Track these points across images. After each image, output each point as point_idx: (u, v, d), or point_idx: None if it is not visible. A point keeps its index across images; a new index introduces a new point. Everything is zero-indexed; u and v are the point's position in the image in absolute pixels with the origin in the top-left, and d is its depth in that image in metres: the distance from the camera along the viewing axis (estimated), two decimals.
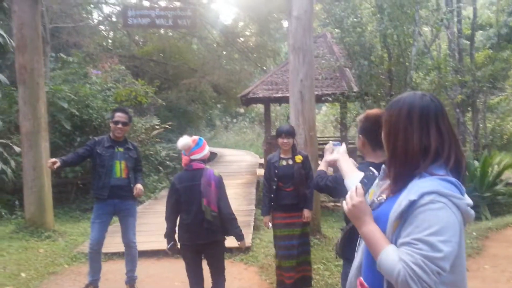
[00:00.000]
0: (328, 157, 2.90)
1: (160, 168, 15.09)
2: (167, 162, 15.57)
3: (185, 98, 22.82)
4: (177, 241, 4.18)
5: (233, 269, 6.28)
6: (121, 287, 5.46)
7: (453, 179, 1.57)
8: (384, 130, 1.77)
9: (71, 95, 11.01)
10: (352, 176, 2.41)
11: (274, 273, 5.45)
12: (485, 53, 15.89)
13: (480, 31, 19.80)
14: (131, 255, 5.40)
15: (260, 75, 20.86)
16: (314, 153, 7.44)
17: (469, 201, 1.59)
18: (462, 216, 1.54)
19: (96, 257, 5.26)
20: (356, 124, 3.54)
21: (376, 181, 1.89)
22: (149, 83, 16.55)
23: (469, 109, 16.09)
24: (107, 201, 5.12)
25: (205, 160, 4.22)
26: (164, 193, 12.39)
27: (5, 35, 9.31)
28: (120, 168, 5.15)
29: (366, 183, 1.79)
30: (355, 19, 10.91)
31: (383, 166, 1.87)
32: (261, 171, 14.00)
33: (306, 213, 4.88)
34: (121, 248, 5.60)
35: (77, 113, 11.09)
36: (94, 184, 5.18)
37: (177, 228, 4.15)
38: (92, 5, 17.67)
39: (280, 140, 4.93)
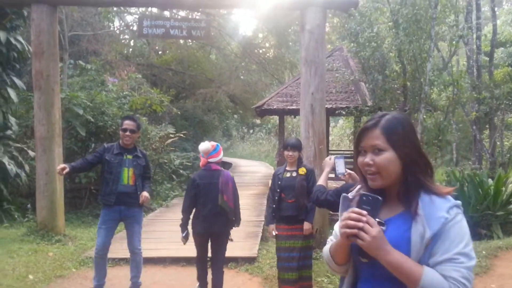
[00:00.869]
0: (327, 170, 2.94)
1: (174, 176, 15.18)
2: (181, 171, 15.65)
3: (201, 108, 22.95)
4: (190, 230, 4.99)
5: (237, 278, 6.30)
6: None
7: None
8: (399, 149, 1.66)
9: (87, 102, 11.18)
10: None
11: (277, 285, 5.44)
12: (504, 70, 15.74)
13: (501, 48, 19.59)
14: (136, 262, 5.45)
15: (277, 87, 20.92)
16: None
17: None
18: None
19: (101, 262, 5.32)
20: None
21: (340, 212, 1.83)
22: (166, 92, 16.75)
23: (486, 126, 15.91)
24: (113, 208, 5.18)
25: (220, 163, 5.13)
26: (176, 201, 12.46)
27: (23, 42, 9.51)
28: (127, 175, 5.22)
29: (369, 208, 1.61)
30: (370, 34, 10.92)
31: (344, 195, 1.84)
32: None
33: (306, 225, 4.87)
34: (128, 254, 5.64)
35: (92, 119, 11.26)
36: (101, 190, 5.26)
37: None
38: (111, 14, 17.89)
39: (286, 153, 4.98)
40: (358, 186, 1.85)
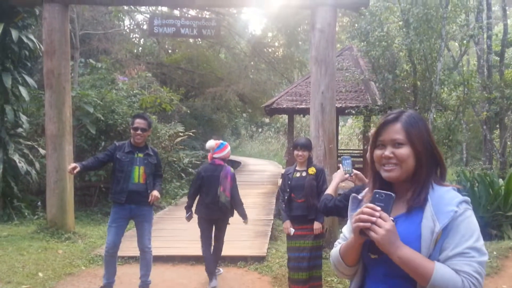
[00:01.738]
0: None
1: (183, 175, 15.22)
2: (190, 169, 15.68)
3: (210, 106, 22.99)
4: (194, 213, 5.81)
5: (246, 277, 6.30)
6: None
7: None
8: (415, 146, 1.68)
9: (98, 100, 11.23)
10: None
11: (287, 284, 5.44)
12: None
13: None
14: (146, 260, 5.45)
15: (286, 86, 20.89)
16: (333, 166, 7.41)
17: None
18: None
19: (111, 261, 5.34)
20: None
21: (349, 212, 1.86)
22: (176, 91, 16.78)
23: (496, 126, 15.79)
24: (124, 206, 5.19)
25: (225, 159, 5.89)
26: (185, 200, 12.45)
27: (35, 40, 9.57)
28: (138, 174, 5.21)
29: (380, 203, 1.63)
30: (381, 33, 10.86)
31: (353, 195, 1.87)
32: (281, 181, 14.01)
33: (316, 225, 4.85)
34: (138, 252, 5.65)
35: (102, 118, 11.30)
36: (112, 188, 5.25)
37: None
38: (121, 14, 17.93)
39: (295, 152, 4.96)
40: (367, 189, 1.88)
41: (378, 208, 1.56)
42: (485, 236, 1.61)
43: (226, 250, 6.37)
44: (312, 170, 4.93)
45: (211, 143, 5.81)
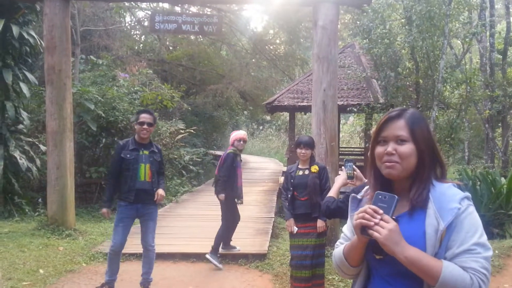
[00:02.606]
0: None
1: (183, 172, 15.19)
2: (191, 167, 15.66)
3: (211, 104, 22.95)
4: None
5: (248, 275, 6.28)
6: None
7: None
8: (419, 144, 1.67)
9: (98, 97, 11.18)
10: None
11: (288, 282, 5.42)
12: None
13: None
14: (149, 258, 5.40)
15: (288, 83, 20.84)
16: (335, 163, 7.38)
17: None
18: None
19: (115, 259, 5.29)
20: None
21: (349, 212, 1.86)
22: (177, 88, 16.72)
23: (499, 124, 15.76)
24: (131, 205, 5.12)
25: (232, 144, 7.00)
26: (186, 197, 12.49)
27: (36, 36, 9.52)
28: (144, 172, 5.12)
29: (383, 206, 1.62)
30: (383, 30, 10.82)
31: (353, 195, 1.87)
32: (283, 179, 14.02)
33: (319, 223, 4.84)
34: (139, 249, 5.64)
35: (103, 114, 11.26)
36: (120, 188, 5.16)
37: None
38: (122, 10, 17.88)
39: (298, 151, 4.93)
40: (366, 187, 1.86)
41: (381, 211, 1.54)
42: (487, 235, 1.60)
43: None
44: (314, 168, 4.91)
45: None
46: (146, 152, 5.18)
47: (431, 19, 10.12)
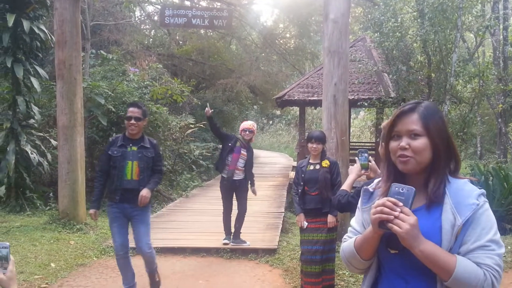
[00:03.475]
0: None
1: (193, 166, 15.20)
2: (200, 161, 15.66)
3: (221, 98, 22.87)
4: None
5: (257, 270, 6.27)
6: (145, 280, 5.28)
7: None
8: (433, 138, 1.64)
9: (109, 92, 11.19)
10: None
11: (298, 277, 5.40)
12: None
13: None
14: (148, 262, 4.99)
15: (298, 78, 20.74)
16: (345, 158, 7.33)
17: None
18: None
19: (125, 263, 4.92)
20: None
21: (359, 205, 1.84)
22: (187, 82, 16.70)
23: None
24: (117, 205, 4.76)
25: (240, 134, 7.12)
26: (196, 191, 12.50)
27: (46, 31, 9.54)
28: (131, 169, 4.72)
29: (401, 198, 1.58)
30: (395, 23, 10.70)
31: (364, 187, 1.85)
32: (293, 174, 14.00)
33: (330, 218, 4.80)
34: None
35: (113, 109, 11.27)
36: (107, 186, 4.85)
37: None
38: (132, 4, 17.87)
39: (309, 145, 4.89)
40: (377, 179, 1.85)
41: (401, 204, 1.52)
42: (499, 231, 1.59)
43: None
44: (326, 163, 4.87)
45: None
46: (134, 148, 4.76)
47: (443, 12, 9.98)
